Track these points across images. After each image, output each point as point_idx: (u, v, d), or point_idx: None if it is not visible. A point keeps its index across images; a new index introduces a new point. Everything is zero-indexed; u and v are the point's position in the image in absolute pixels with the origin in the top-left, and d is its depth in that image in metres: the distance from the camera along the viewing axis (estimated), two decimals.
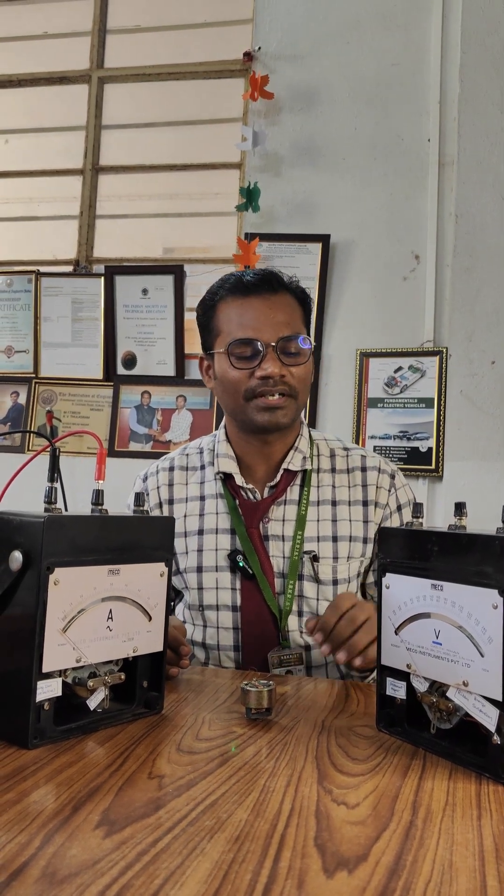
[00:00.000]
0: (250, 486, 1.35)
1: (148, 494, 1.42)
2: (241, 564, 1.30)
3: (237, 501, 1.35)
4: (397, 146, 2.72)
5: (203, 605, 1.33)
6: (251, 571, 1.29)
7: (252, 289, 1.30)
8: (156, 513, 1.41)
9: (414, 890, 0.52)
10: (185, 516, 1.38)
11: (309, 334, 1.35)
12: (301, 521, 1.32)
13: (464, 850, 0.59)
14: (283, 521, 1.33)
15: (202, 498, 1.39)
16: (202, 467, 1.42)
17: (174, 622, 1.10)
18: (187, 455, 1.46)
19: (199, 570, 1.34)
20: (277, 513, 1.33)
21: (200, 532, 1.36)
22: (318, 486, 1.36)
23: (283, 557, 1.31)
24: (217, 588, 1.32)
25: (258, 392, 1.27)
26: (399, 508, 1.37)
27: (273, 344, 1.26)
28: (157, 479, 1.43)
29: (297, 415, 1.34)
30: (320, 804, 0.67)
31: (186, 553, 1.36)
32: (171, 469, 1.44)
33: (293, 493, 1.35)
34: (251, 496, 1.35)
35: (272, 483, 1.35)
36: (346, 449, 1.42)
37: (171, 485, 1.42)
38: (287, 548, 1.31)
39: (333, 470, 1.38)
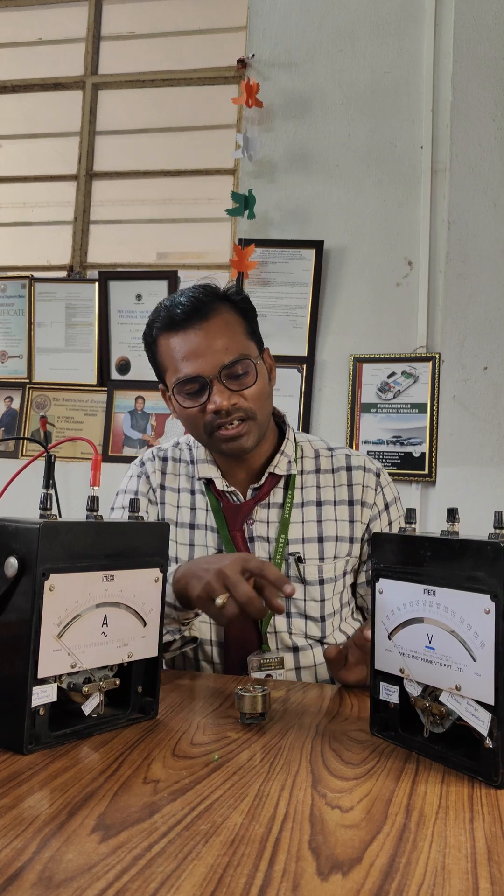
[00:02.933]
0: (232, 488, 1.35)
1: (149, 476, 1.43)
2: None
3: (221, 504, 1.36)
4: (390, 153, 2.74)
5: None
6: None
7: (182, 322, 1.25)
8: (149, 497, 1.41)
9: (407, 892, 0.53)
10: (177, 506, 1.39)
11: (258, 342, 1.32)
12: (284, 525, 1.32)
13: (456, 852, 0.60)
14: (268, 522, 1.33)
15: (192, 492, 1.39)
16: (192, 462, 1.43)
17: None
18: (179, 449, 1.46)
19: None
20: (262, 514, 1.34)
21: (192, 526, 1.36)
22: (303, 488, 1.36)
23: (268, 559, 1.31)
24: None
25: (216, 425, 1.26)
26: (386, 507, 1.38)
27: (216, 375, 1.24)
28: (154, 465, 1.44)
29: (262, 433, 1.32)
30: (315, 808, 0.67)
31: (177, 544, 1.36)
32: (165, 460, 1.44)
33: (277, 496, 1.35)
34: (234, 499, 1.36)
35: (256, 485, 1.35)
36: (330, 449, 1.42)
37: (164, 473, 1.42)
38: (272, 549, 1.32)
39: (318, 471, 1.38)
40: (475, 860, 0.58)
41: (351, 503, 1.36)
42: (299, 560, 1.31)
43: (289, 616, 1.31)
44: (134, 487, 1.43)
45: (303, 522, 1.34)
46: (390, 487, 1.41)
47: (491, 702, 0.75)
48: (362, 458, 1.40)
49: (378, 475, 1.39)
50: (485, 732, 0.75)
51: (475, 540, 0.79)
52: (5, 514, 0.85)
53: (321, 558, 1.32)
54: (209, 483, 1.37)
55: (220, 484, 1.35)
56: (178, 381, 1.26)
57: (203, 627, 1.33)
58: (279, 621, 1.30)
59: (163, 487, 1.41)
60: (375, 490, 1.37)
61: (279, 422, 1.44)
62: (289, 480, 1.36)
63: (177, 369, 1.26)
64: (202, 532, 1.35)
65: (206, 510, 1.36)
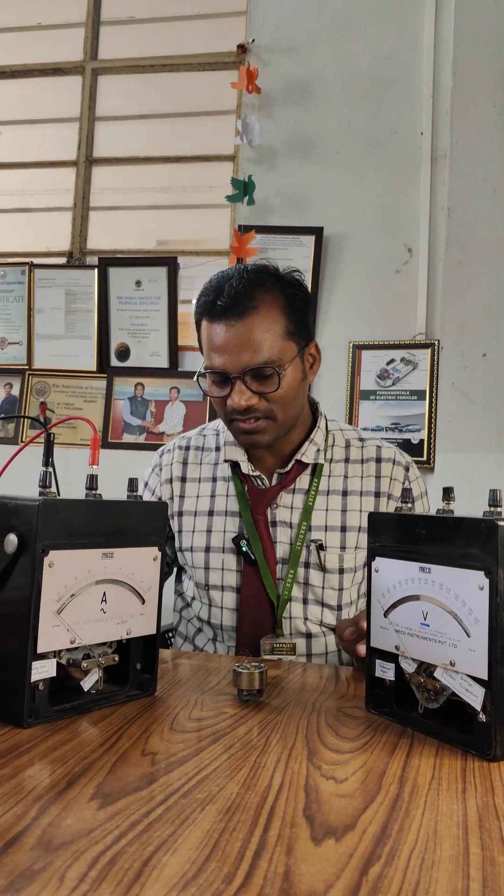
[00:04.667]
0: (257, 473, 1.36)
1: (161, 469, 1.45)
2: (244, 550, 1.32)
3: (245, 487, 1.37)
4: (390, 139, 2.73)
5: (209, 584, 1.35)
6: (253, 557, 1.31)
7: (220, 314, 1.24)
8: (165, 488, 1.43)
9: (399, 856, 0.54)
10: (196, 496, 1.40)
11: (302, 335, 1.29)
12: (307, 512, 1.33)
13: (448, 820, 0.61)
14: (291, 508, 1.34)
15: (214, 479, 1.40)
16: (217, 448, 1.44)
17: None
18: (204, 436, 1.47)
19: (207, 550, 1.36)
20: (286, 499, 1.35)
21: (210, 513, 1.38)
22: (330, 476, 1.36)
23: (289, 544, 1.33)
24: (222, 569, 1.35)
25: (233, 417, 1.27)
26: (413, 502, 1.38)
27: (239, 375, 1.23)
28: (172, 456, 1.46)
29: (283, 431, 1.32)
30: (310, 779, 0.68)
31: (194, 532, 1.38)
32: (187, 448, 1.45)
33: (303, 482, 1.36)
34: (260, 483, 1.36)
35: (283, 471, 1.35)
36: (361, 439, 1.42)
37: (185, 463, 1.44)
38: (293, 535, 1.33)
39: (347, 460, 1.38)
40: (466, 827, 0.59)
41: (377, 495, 1.36)
42: (321, 547, 1.31)
43: (305, 602, 1.31)
44: (146, 481, 1.48)
45: (326, 510, 1.34)
46: (419, 482, 1.41)
47: (484, 677, 0.76)
48: (393, 451, 1.41)
49: (407, 469, 1.40)
50: (478, 707, 0.76)
51: (469, 518, 0.80)
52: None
53: (342, 547, 1.33)
54: (235, 466, 1.38)
55: (246, 468, 1.36)
56: (207, 369, 1.27)
57: (216, 613, 1.34)
58: (295, 607, 1.31)
59: (183, 479, 1.42)
60: (403, 483, 1.37)
61: (312, 409, 1.43)
62: (315, 468, 1.36)
63: (208, 356, 1.27)
64: (221, 518, 1.36)
65: (227, 496, 1.37)
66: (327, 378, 2.71)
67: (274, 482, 1.36)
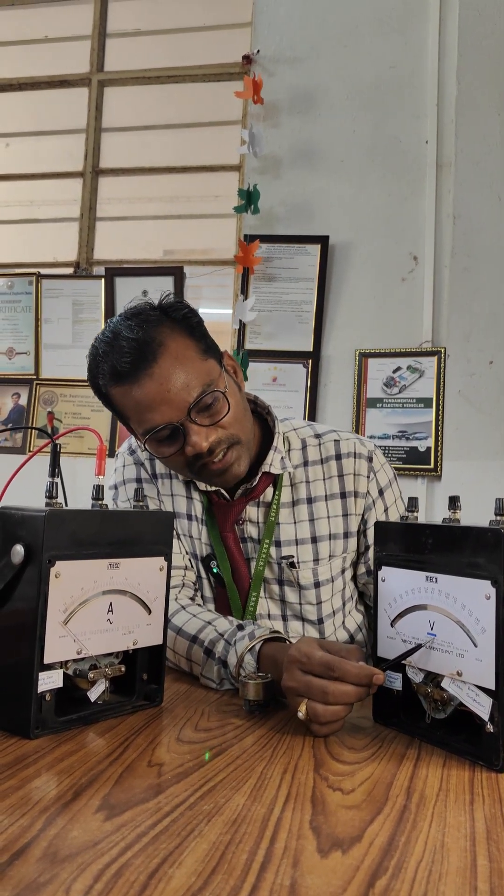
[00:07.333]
0: (215, 488, 1.26)
1: (143, 464, 1.34)
2: (215, 571, 1.26)
3: (210, 501, 1.28)
4: (395, 148, 2.74)
5: (204, 595, 1.30)
6: (225, 580, 1.25)
7: (131, 373, 1.10)
8: (150, 487, 1.33)
9: (406, 868, 0.53)
10: (172, 495, 1.31)
11: (214, 351, 1.18)
12: (270, 529, 1.25)
13: (456, 832, 0.60)
14: (258, 523, 1.27)
15: (185, 483, 1.31)
16: None
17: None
18: None
19: (195, 556, 1.29)
20: (252, 513, 1.26)
21: (189, 517, 1.29)
22: (292, 486, 1.27)
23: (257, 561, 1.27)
24: (202, 578, 1.29)
25: (200, 464, 1.15)
26: (381, 493, 1.29)
27: (186, 417, 1.11)
28: (145, 453, 1.34)
29: (251, 447, 1.22)
30: (316, 790, 0.68)
31: (179, 536, 1.30)
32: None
33: (268, 494, 1.27)
34: (224, 497, 1.27)
35: (250, 485, 1.24)
36: (317, 436, 1.31)
37: (153, 461, 1.34)
38: (257, 552, 1.26)
39: (306, 463, 1.28)
40: (474, 839, 0.59)
41: (343, 496, 1.27)
42: (292, 565, 1.24)
43: (285, 619, 1.27)
44: (134, 475, 1.34)
45: (295, 523, 1.26)
46: (384, 470, 1.31)
47: (492, 687, 0.75)
48: (352, 443, 1.30)
49: (370, 459, 1.29)
50: (486, 717, 0.76)
51: (476, 527, 0.80)
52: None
53: (316, 560, 1.26)
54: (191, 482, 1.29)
55: (202, 484, 1.27)
56: (147, 432, 1.13)
57: None
58: (275, 625, 1.26)
59: (156, 476, 1.33)
60: (368, 477, 1.28)
61: (263, 413, 1.31)
62: (277, 478, 1.27)
63: (141, 420, 1.13)
64: (197, 525, 1.29)
65: (202, 502, 1.29)
66: (333, 386, 2.72)
67: (238, 494, 1.25)
